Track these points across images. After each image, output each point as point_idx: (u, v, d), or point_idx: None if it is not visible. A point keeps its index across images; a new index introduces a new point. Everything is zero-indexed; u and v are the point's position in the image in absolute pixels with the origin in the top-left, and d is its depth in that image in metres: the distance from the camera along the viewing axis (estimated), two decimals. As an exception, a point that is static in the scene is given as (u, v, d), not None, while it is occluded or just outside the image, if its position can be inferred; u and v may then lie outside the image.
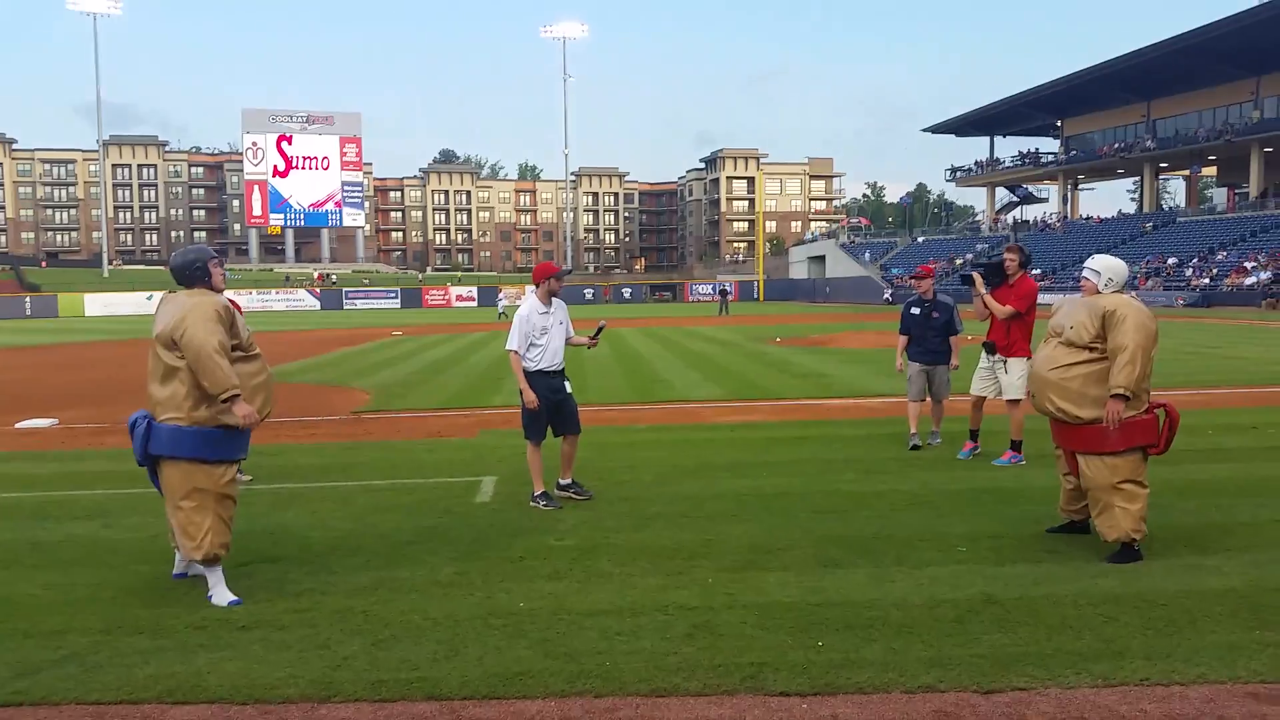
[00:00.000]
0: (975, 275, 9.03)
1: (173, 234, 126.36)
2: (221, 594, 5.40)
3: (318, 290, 78.60)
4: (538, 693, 4.11)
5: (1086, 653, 4.39)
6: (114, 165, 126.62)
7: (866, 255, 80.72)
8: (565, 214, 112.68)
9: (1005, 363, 8.95)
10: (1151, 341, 5.72)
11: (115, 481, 8.50)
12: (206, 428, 5.34)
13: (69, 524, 7.24)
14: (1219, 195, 73.24)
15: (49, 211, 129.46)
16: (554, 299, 7.69)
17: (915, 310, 9.90)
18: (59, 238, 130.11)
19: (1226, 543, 6.12)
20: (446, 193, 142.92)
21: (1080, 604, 5.02)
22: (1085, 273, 6.17)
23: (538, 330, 7.51)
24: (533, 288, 7.74)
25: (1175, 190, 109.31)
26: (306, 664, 4.43)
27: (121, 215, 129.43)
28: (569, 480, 7.85)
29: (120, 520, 7.18)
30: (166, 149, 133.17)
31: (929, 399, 9.92)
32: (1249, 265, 49.94)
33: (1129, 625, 4.72)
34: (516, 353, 7.49)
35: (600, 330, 8.23)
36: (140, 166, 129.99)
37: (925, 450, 9.58)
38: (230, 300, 8.93)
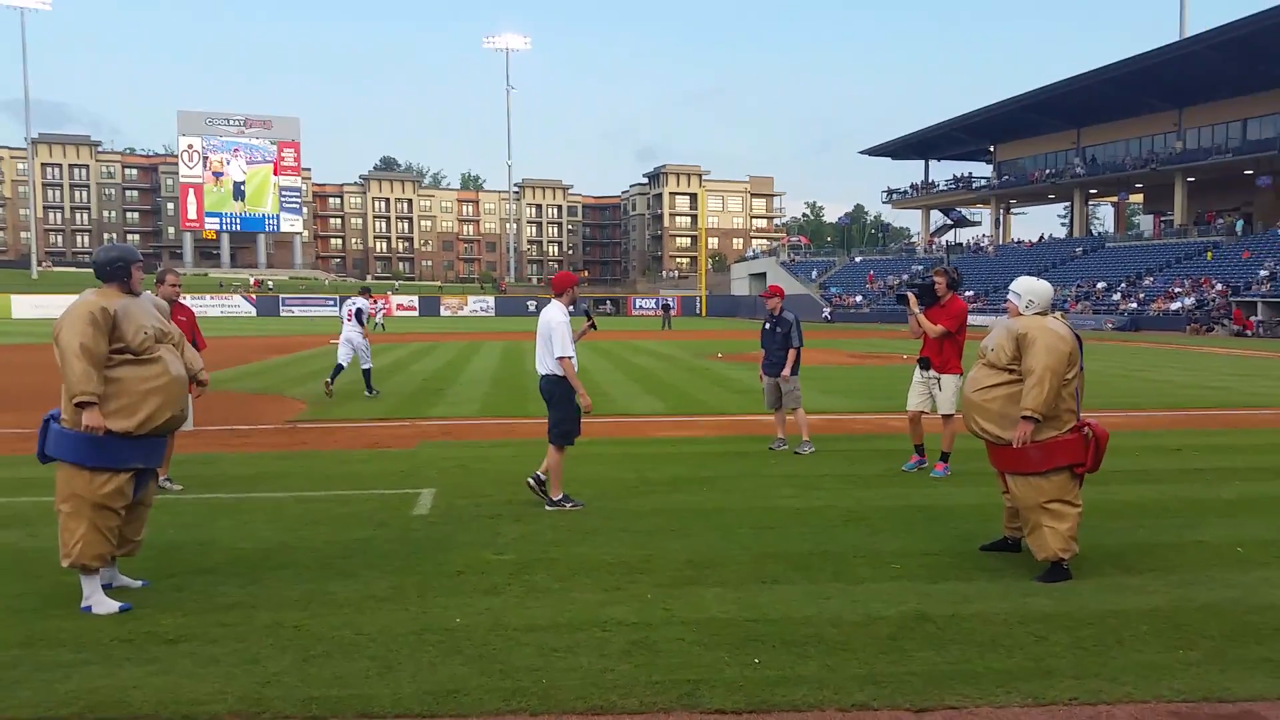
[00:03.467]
0: (909, 295, 9.38)
1: (105, 236, 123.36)
2: (101, 603, 5.25)
3: (254, 296, 77.27)
4: (473, 710, 4.06)
5: (1017, 671, 4.46)
6: (44, 164, 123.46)
7: (813, 274, 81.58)
8: (508, 225, 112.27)
9: (939, 379, 9.33)
10: (1062, 364, 5.82)
11: (40, 489, 8.22)
12: (86, 432, 5.21)
13: (-12, 533, 7.01)
14: (1146, 222, 75.36)
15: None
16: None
17: (766, 326, 10.92)
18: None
19: (1152, 563, 6.26)
20: (387, 200, 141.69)
21: (1011, 622, 5.11)
22: (1009, 295, 6.31)
23: (573, 336, 7.83)
24: (555, 298, 8.04)
25: (1104, 216, 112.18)
26: (235, 679, 4.33)
27: (52, 216, 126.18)
28: (536, 477, 8.06)
29: (45, 529, 6.94)
30: (99, 149, 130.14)
31: (792, 409, 10.81)
32: (1176, 290, 51.47)
33: (1058, 644, 4.80)
34: (571, 358, 7.74)
35: (590, 319, 8.56)
36: (72, 166, 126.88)
37: (859, 466, 9.70)
38: (181, 305, 8.77)
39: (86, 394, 5.13)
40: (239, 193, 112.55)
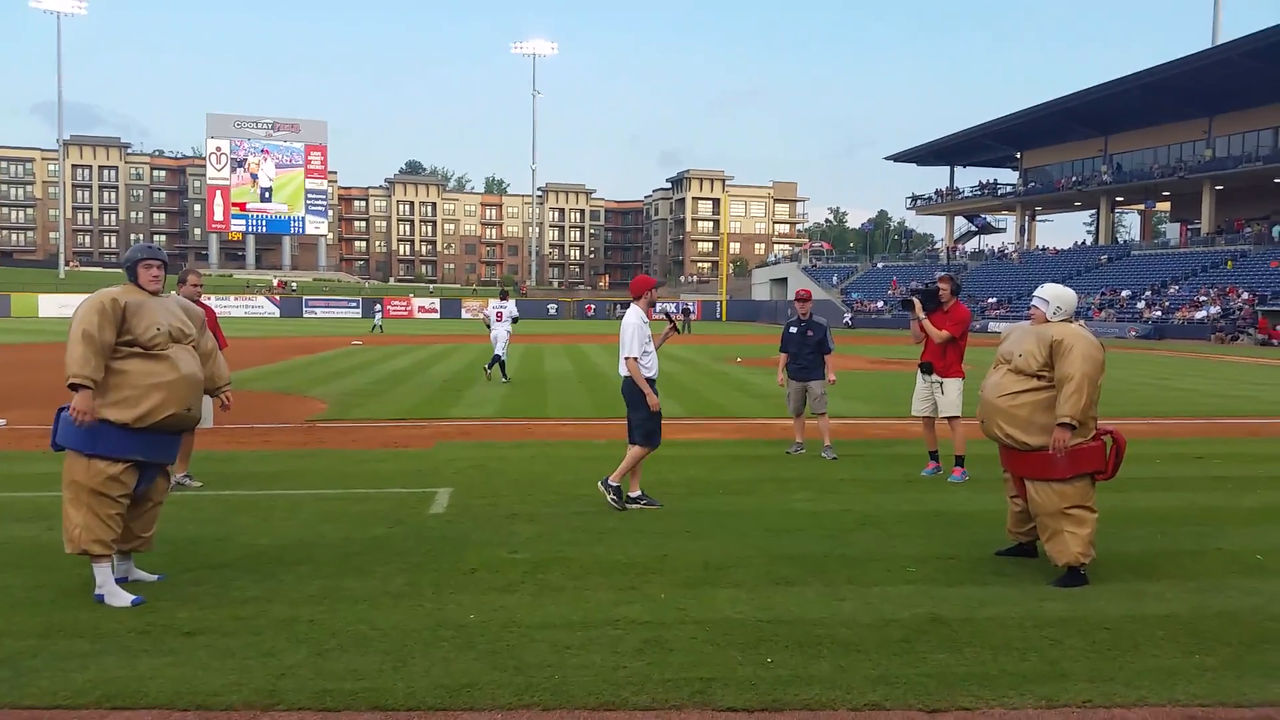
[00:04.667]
0: (914, 301, 9.35)
1: (132, 236, 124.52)
2: (114, 594, 5.32)
3: (277, 297, 77.84)
4: (485, 705, 4.08)
5: (1031, 674, 4.43)
6: (74, 166, 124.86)
7: (834, 279, 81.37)
8: (531, 229, 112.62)
9: (942, 383, 9.36)
10: (1098, 371, 5.82)
11: (58, 484, 8.32)
12: (74, 415, 5.29)
13: (9, 526, 7.11)
14: (1172, 230, 74.75)
15: (4, 210, 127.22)
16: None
17: (793, 330, 10.78)
18: (14, 237, 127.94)
19: (1170, 569, 6.21)
20: (412, 204, 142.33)
21: (1026, 626, 5.08)
22: (1035, 301, 6.26)
23: (646, 338, 7.86)
24: (633, 301, 8.06)
25: (1130, 224, 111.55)
26: (250, 672, 4.37)
27: (80, 216, 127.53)
28: (639, 491, 8.04)
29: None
30: (128, 151, 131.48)
31: (819, 414, 10.70)
32: (1201, 299, 51.00)
33: (1073, 648, 4.77)
34: (637, 359, 7.77)
35: (671, 323, 8.54)
36: (101, 168, 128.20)
37: (876, 471, 9.68)
38: (203, 305, 8.90)
39: (79, 376, 5.22)
40: (265, 196, 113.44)
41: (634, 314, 7.93)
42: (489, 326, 20.10)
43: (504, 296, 20.91)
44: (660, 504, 7.98)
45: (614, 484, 7.89)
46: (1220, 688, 4.31)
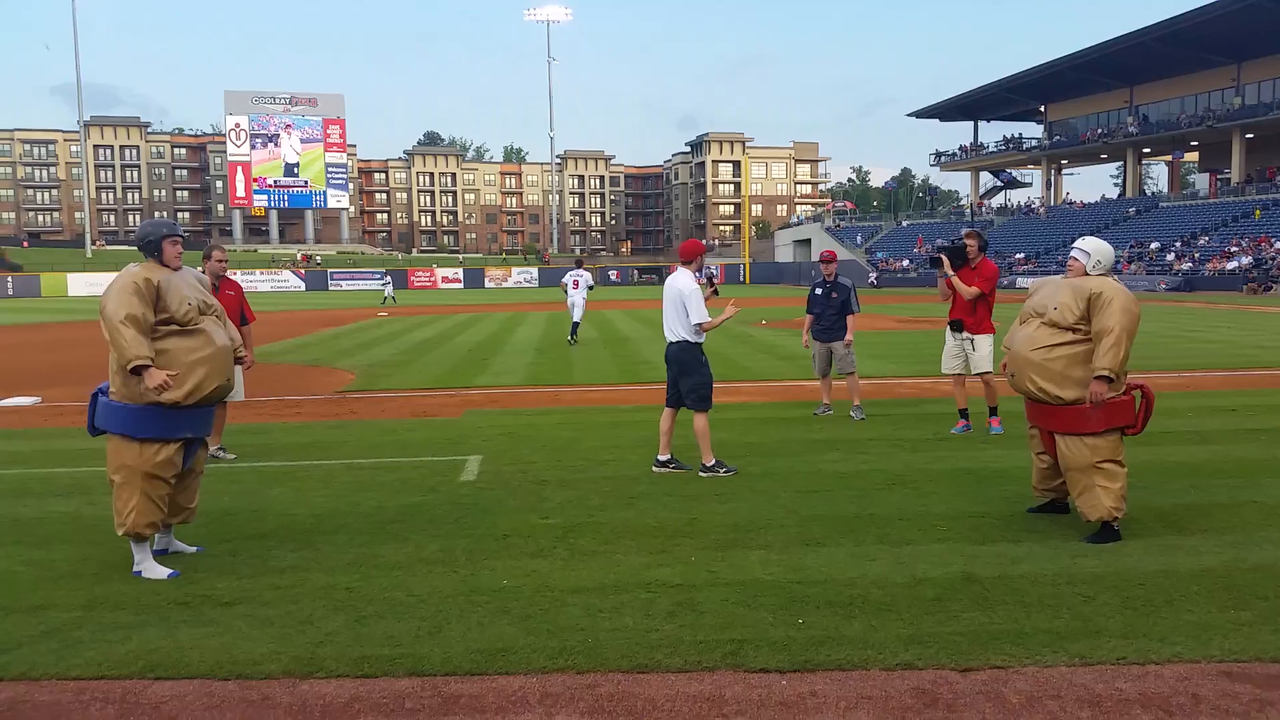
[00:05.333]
0: (943, 258, 9.28)
1: (156, 214, 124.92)
2: (152, 569, 5.40)
3: (302, 271, 78.24)
4: (520, 669, 4.12)
5: (1064, 631, 4.42)
6: (96, 146, 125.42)
7: (859, 239, 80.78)
8: (551, 197, 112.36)
9: (973, 340, 9.34)
10: (1135, 325, 5.78)
11: (98, 459, 8.40)
12: (134, 404, 5.34)
13: (50, 501, 7.23)
14: (1201, 181, 73.50)
15: (30, 192, 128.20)
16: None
17: (819, 291, 10.80)
18: (41, 218, 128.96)
19: (1204, 523, 6.17)
20: (431, 175, 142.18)
21: (1059, 583, 5.06)
22: (1074, 253, 6.20)
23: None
24: (684, 265, 8.06)
25: (1158, 175, 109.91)
26: (289, 640, 4.43)
27: (104, 196, 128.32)
28: (669, 455, 8.04)
29: (103, 497, 7.09)
30: (149, 130, 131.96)
31: (847, 374, 10.66)
32: (1232, 250, 50.25)
33: (1107, 604, 4.76)
34: (707, 320, 7.80)
35: (713, 286, 8.69)
36: (123, 147, 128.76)
37: (905, 430, 9.64)
38: (230, 280, 8.95)
39: (141, 358, 5.25)
40: (291, 171, 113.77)
41: (687, 278, 7.87)
42: (567, 293, 21.47)
43: (579, 265, 22.36)
44: (689, 468, 7.99)
45: (709, 463, 7.83)
46: (1256, 643, 4.28)
